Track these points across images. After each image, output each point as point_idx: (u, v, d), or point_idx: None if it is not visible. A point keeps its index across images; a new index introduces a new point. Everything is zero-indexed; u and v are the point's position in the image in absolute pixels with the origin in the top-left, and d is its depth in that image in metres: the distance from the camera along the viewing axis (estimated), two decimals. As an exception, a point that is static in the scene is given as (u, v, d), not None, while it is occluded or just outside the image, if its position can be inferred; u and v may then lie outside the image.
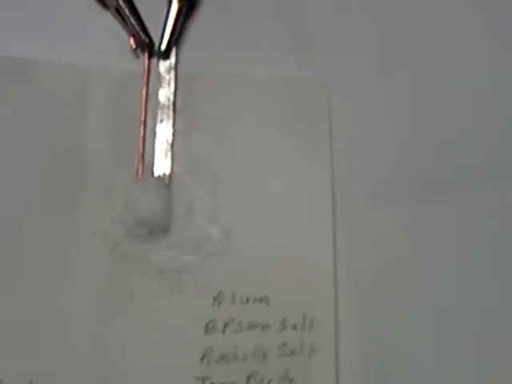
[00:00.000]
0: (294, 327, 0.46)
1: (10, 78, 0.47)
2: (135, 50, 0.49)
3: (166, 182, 0.47)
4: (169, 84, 0.49)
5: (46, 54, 0.48)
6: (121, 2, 0.49)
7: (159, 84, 0.49)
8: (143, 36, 0.49)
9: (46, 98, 0.48)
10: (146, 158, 0.48)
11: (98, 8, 0.50)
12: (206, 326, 0.46)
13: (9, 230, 0.46)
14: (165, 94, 0.49)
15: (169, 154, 0.48)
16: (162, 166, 0.48)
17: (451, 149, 0.51)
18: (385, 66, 0.52)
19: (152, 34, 0.50)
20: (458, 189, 0.50)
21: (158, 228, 0.47)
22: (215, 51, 0.50)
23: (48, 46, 0.48)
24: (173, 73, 0.49)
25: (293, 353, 0.46)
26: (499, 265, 0.49)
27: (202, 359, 0.45)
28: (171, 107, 0.49)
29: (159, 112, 0.48)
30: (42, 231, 0.46)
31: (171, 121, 0.48)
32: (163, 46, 0.49)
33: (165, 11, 0.49)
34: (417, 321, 0.47)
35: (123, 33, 0.50)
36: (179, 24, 0.49)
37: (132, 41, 0.49)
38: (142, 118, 0.48)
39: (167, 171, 0.48)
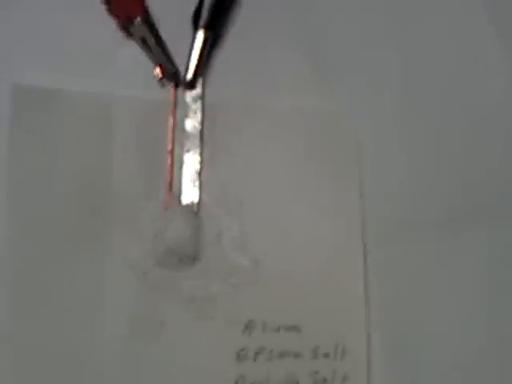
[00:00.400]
0: (326, 356, 0.46)
1: (37, 107, 0.47)
2: (161, 79, 0.49)
3: (194, 211, 0.48)
4: (195, 113, 0.49)
5: (72, 83, 0.48)
6: (146, 32, 0.49)
7: (186, 114, 0.49)
8: (169, 66, 0.49)
9: (73, 127, 0.48)
10: (173, 187, 0.48)
11: (123, 37, 0.50)
12: (238, 354, 0.46)
13: (39, 261, 0.46)
14: (192, 123, 0.49)
15: (196, 182, 0.48)
16: (189, 194, 0.48)
17: (477, 181, 0.51)
18: (409, 97, 0.52)
19: (177, 63, 0.50)
20: (485, 221, 0.50)
21: (187, 257, 0.47)
22: (240, 82, 0.50)
23: (74, 76, 0.49)
24: (199, 102, 0.49)
25: (325, 381, 0.46)
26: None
27: (233, 388, 0.45)
28: (198, 137, 0.49)
29: (186, 141, 0.49)
30: (72, 262, 0.46)
31: (198, 150, 0.49)
32: (189, 76, 0.49)
33: (189, 41, 0.49)
34: (445, 351, 0.47)
35: (149, 62, 0.50)
36: (205, 54, 0.49)
37: (158, 70, 0.49)
38: (170, 148, 0.48)
39: (195, 200, 0.48)
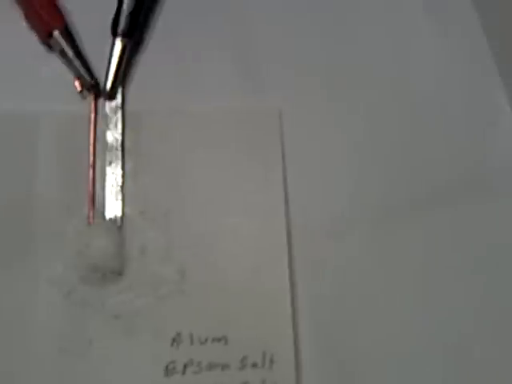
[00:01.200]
0: (255, 365, 0.45)
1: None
2: (81, 91, 0.49)
3: (118, 225, 0.47)
4: (116, 124, 0.48)
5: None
6: (65, 44, 0.48)
7: (106, 125, 0.48)
8: (87, 78, 0.48)
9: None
10: (96, 201, 0.47)
11: (43, 52, 0.50)
12: (166, 368, 0.45)
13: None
14: (112, 134, 0.48)
15: (119, 196, 0.47)
16: (113, 208, 0.47)
17: (409, 174, 0.50)
18: (337, 92, 0.51)
19: (99, 74, 0.49)
20: (417, 214, 0.49)
21: (112, 272, 0.46)
22: (163, 88, 0.50)
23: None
24: (120, 113, 0.49)
25: (255, 391, 0.45)
26: (462, 287, 0.47)
27: (163, 402, 0.45)
28: (119, 148, 0.48)
29: (108, 154, 0.48)
30: (-4, 281, 0.46)
31: (120, 162, 0.48)
32: (108, 87, 0.48)
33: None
34: (380, 352, 0.46)
35: (70, 75, 0.49)
36: (123, 63, 0.49)
37: (77, 83, 0.48)
38: (91, 161, 0.48)
39: (118, 213, 0.47)
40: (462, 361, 0.46)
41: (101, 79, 0.49)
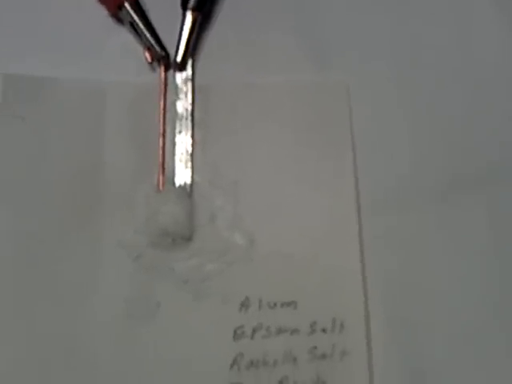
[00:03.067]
0: (324, 330, 0.45)
1: (28, 95, 0.48)
2: (151, 63, 0.49)
3: (187, 192, 0.47)
4: (186, 95, 0.49)
5: (62, 71, 0.49)
6: (135, 17, 0.49)
7: (176, 96, 0.49)
8: (158, 49, 0.49)
9: (64, 114, 0.48)
10: (166, 169, 0.48)
11: (113, 24, 0.51)
12: (235, 333, 0.45)
13: (32, 245, 0.46)
14: (182, 105, 0.49)
15: (189, 164, 0.48)
16: (182, 176, 0.48)
17: (475, 147, 0.50)
18: (403, 67, 0.52)
19: (167, 46, 0.50)
20: (484, 187, 0.49)
21: (181, 237, 0.47)
22: (231, 61, 0.51)
23: (65, 63, 0.49)
24: (190, 84, 0.49)
25: (324, 356, 0.45)
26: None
27: (231, 366, 0.45)
28: (189, 118, 0.49)
29: (178, 123, 0.49)
30: (65, 246, 0.46)
31: (190, 131, 0.49)
32: (179, 58, 0.49)
33: (179, 23, 0.49)
34: (447, 319, 0.46)
35: (139, 47, 0.50)
36: (194, 35, 0.49)
37: (147, 54, 0.49)
38: (161, 130, 0.48)
39: (188, 181, 0.48)
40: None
41: (170, 51, 0.50)
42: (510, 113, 0.51)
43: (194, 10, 0.50)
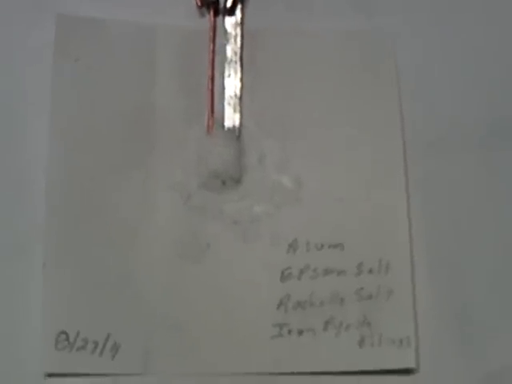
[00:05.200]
0: (370, 271, 0.46)
1: (78, 37, 0.49)
2: (201, 7, 0.50)
3: (236, 135, 0.48)
4: (235, 40, 0.49)
5: (114, 13, 0.49)
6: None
7: (226, 40, 0.50)
8: (208, -6, 0.50)
9: (116, 55, 0.49)
10: (215, 112, 0.48)
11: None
12: (282, 274, 0.46)
13: (84, 185, 0.47)
14: (232, 49, 0.49)
15: (237, 107, 0.48)
16: (231, 119, 0.48)
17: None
18: (448, 14, 0.51)
19: (216, -9, 0.50)
20: None
21: (230, 179, 0.47)
22: (280, 6, 0.51)
23: (117, 5, 0.50)
24: (239, 29, 0.50)
25: (370, 297, 0.46)
26: None
27: (278, 306, 0.46)
28: (238, 62, 0.49)
29: (227, 67, 0.49)
30: (116, 186, 0.47)
31: (239, 75, 0.49)
32: (228, 3, 0.49)
33: (229, -31, 0.50)
34: (490, 261, 0.47)
35: (188, -8, 0.50)
36: (243, -19, 0.50)
37: (197, -1, 0.50)
38: (210, 73, 0.49)
39: (236, 124, 0.48)
40: None
41: (218, -2, 0.50)
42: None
43: (242, -43, 0.50)
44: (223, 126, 0.48)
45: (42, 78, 0.48)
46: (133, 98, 0.48)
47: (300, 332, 0.45)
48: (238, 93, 0.49)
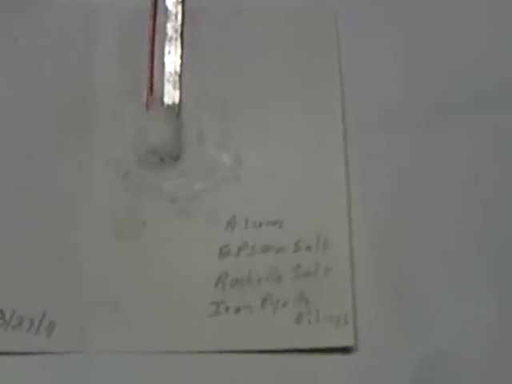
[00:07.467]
0: (309, 249, 0.46)
1: (19, 13, 0.48)
2: (142, -15, 0.49)
3: (176, 112, 0.48)
4: (176, 17, 0.49)
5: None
6: None
7: (167, 17, 0.49)
8: (149, -29, 0.49)
9: (55, 34, 0.49)
10: (155, 89, 0.48)
11: None
12: (220, 251, 0.45)
13: (20, 162, 0.46)
14: (172, 26, 0.49)
15: (177, 84, 0.48)
16: (171, 96, 0.48)
17: (462, 74, 0.50)
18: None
19: (158, -31, 0.50)
20: (470, 114, 0.49)
21: (169, 156, 0.47)
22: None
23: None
24: (180, 6, 0.49)
25: (308, 274, 0.45)
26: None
27: (216, 284, 0.45)
28: (179, 39, 0.49)
29: (167, 44, 0.49)
30: (53, 162, 0.47)
31: (179, 52, 0.49)
32: (169, -20, 0.49)
33: None
34: (428, 241, 0.46)
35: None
36: (185, -42, 0.50)
37: (138, -24, 0.49)
38: (149, 50, 0.48)
39: (176, 101, 0.48)
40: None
41: (160, -26, 0.50)
42: (498, 40, 0.51)
43: None
44: (163, 102, 0.48)
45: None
46: (72, 76, 0.48)
47: (237, 309, 0.45)
48: (178, 70, 0.48)
